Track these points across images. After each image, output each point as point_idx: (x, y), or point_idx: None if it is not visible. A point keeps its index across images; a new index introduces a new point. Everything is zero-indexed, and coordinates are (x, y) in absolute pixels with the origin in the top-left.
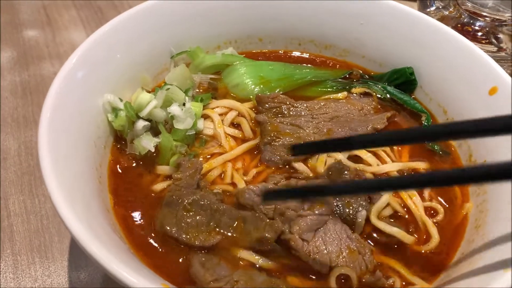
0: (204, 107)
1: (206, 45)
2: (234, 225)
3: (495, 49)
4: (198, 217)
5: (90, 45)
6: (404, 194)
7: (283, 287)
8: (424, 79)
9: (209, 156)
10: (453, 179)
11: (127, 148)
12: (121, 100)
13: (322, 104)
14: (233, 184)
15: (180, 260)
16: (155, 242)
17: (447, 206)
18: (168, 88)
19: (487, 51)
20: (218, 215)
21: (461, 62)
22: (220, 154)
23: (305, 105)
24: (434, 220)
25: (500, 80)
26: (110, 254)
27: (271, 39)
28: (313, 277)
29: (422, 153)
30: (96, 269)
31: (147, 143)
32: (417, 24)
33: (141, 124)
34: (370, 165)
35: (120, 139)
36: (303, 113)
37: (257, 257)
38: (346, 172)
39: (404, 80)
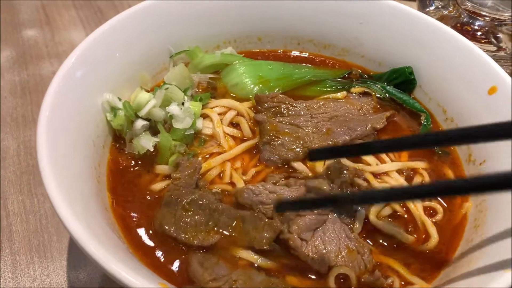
0: (203, 107)
1: (205, 45)
2: (233, 224)
3: (495, 48)
4: (196, 217)
5: (89, 45)
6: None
7: (282, 287)
8: (424, 78)
9: (208, 156)
10: (457, 190)
11: (126, 148)
12: (120, 99)
13: (321, 103)
14: (232, 183)
15: (179, 260)
16: (154, 242)
17: (446, 205)
18: (167, 88)
19: (486, 51)
20: (217, 215)
21: (460, 61)
22: (219, 153)
23: (304, 105)
24: (433, 220)
25: (499, 80)
26: (109, 253)
27: (270, 38)
28: (312, 277)
29: (421, 152)
30: (95, 269)
31: (146, 142)
32: (416, 23)
33: (140, 123)
34: (369, 164)
35: (119, 138)
36: (302, 112)
37: (256, 256)
38: (345, 171)
39: (404, 79)
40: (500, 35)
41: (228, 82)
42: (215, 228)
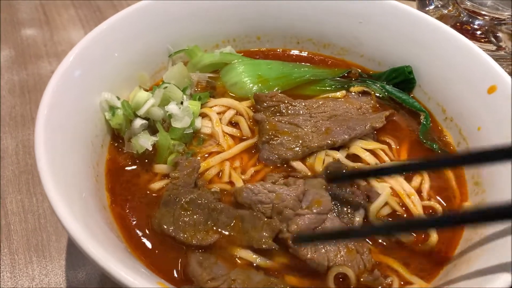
0: (202, 106)
1: (204, 44)
2: (232, 224)
3: (494, 48)
4: (195, 216)
5: (87, 44)
6: (402, 193)
7: (280, 287)
8: (423, 78)
9: (207, 155)
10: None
11: (125, 147)
12: (118, 98)
13: (320, 103)
14: (231, 183)
15: (178, 259)
16: (153, 241)
17: (446, 205)
18: (166, 87)
19: (486, 50)
20: (216, 214)
21: (460, 61)
22: (218, 152)
23: (303, 104)
24: None
25: (499, 79)
26: (107, 253)
27: (270, 37)
28: (311, 276)
29: (421, 152)
30: (94, 268)
31: (145, 141)
32: (416, 23)
33: (138, 122)
34: (368, 164)
35: (117, 137)
36: (301, 111)
37: (254, 256)
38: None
39: (403, 79)
40: (499, 34)
41: (227, 81)
42: (214, 228)
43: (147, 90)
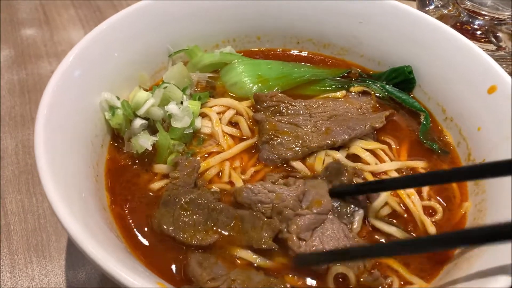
0: (202, 106)
1: (204, 44)
2: (232, 224)
3: (494, 48)
4: (195, 216)
5: (87, 43)
6: (402, 193)
7: (280, 287)
8: (423, 78)
9: (206, 155)
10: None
11: (125, 147)
12: (118, 98)
13: (320, 102)
14: (231, 183)
15: (178, 259)
16: (152, 241)
17: (446, 205)
18: (166, 87)
19: (486, 50)
20: (216, 214)
21: (460, 61)
22: (218, 152)
23: (303, 104)
24: (433, 219)
25: (499, 79)
26: (107, 253)
27: (270, 37)
28: (311, 277)
29: (421, 152)
30: (94, 268)
31: (145, 141)
32: (416, 22)
33: (138, 122)
34: (368, 163)
35: (117, 137)
36: (301, 111)
37: (254, 256)
38: (344, 172)
39: (403, 79)
40: (499, 34)
41: (227, 81)
42: (214, 228)
43: (147, 90)
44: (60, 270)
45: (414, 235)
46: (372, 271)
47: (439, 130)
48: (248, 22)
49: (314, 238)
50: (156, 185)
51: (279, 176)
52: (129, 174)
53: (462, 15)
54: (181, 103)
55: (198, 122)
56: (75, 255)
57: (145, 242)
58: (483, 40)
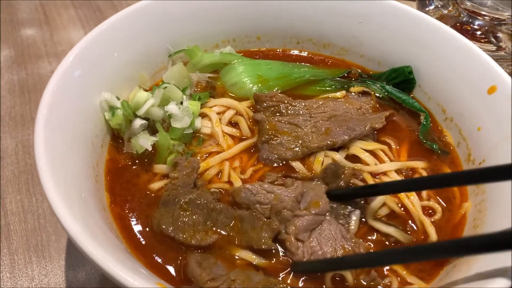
0: (202, 106)
1: (204, 44)
2: (231, 224)
3: (494, 48)
4: (194, 217)
5: (87, 43)
6: (401, 193)
7: (280, 287)
8: (423, 78)
9: (206, 155)
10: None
11: (124, 147)
12: (118, 98)
13: (320, 103)
14: (230, 182)
15: (177, 260)
16: (152, 241)
17: (446, 205)
18: (166, 87)
19: (486, 50)
20: (215, 214)
21: (460, 61)
22: (218, 152)
23: (303, 104)
24: (432, 220)
25: (499, 79)
26: (107, 253)
27: (270, 37)
28: (309, 277)
29: (420, 152)
30: (94, 269)
31: (144, 141)
32: (416, 23)
33: (138, 122)
34: (367, 164)
35: (117, 137)
36: (301, 112)
37: (254, 256)
38: (342, 175)
39: (403, 79)
40: (499, 34)
41: (227, 81)
42: (213, 228)
43: (146, 90)
44: (60, 270)
45: (413, 235)
46: (370, 271)
47: (439, 130)
48: (248, 22)
49: (312, 239)
50: (156, 185)
51: (278, 176)
52: (129, 174)
53: (462, 15)
54: (181, 103)
55: (198, 122)
56: (75, 255)
57: (145, 242)
58: (483, 41)
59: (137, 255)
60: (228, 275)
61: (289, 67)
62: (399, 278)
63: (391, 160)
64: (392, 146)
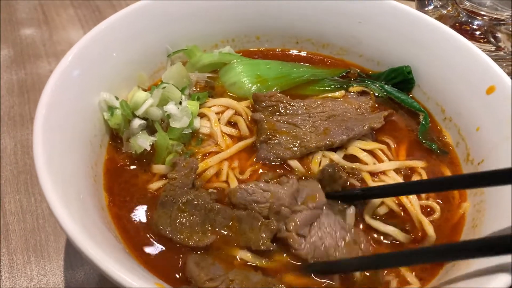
0: (201, 106)
1: (203, 44)
2: (229, 224)
3: (493, 48)
4: (192, 217)
5: (86, 43)
6: None
7: (278, 286)
8: (422, 78)
9: (206, 155)
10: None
11: (123, 147)
12: (117, 98)
13: (319, 102)
14: (228, 182)
15: (176, 260)
16: (150, 242)
17: (445, 205)
18: (165, 87)
19: (485, 50)
20: (213, 215)
21: (459, 61)
22: (217, 152)
23: (302, 104)
24: (431, 219)
25: (498, 79)
26: (105, 253)
27: (269, 37)
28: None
29: (419, 152)
30: (92, 268)
31: (143, 141)
32: (415, 23)
33: (137, 122)
34: (366, 163)
35: (116, 137)
36: (300, 111)
37: (252, 256)
38: (339, 180)
39: (402, 79)
40: (498, 34)
41: (226, 81)
42: (211, 229)
43: (145, 90)
44: (59, 270)
45: (411, 234)
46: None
47: (438, 130)
48: (247, 22)
49: (312, 233)
50: (155, 185)
51: (274, 175)
52: (128, 174)
53: (461, 15)
54: (180, 103)
55: (197, 122)
56: (73, 255)
57: (143, 242)
58: (482, 41)
59: (136, 255)
60: (227, 275)
61: (288, 67)
62: (399, 277)
63: (389, 160)
64: (391, 146)
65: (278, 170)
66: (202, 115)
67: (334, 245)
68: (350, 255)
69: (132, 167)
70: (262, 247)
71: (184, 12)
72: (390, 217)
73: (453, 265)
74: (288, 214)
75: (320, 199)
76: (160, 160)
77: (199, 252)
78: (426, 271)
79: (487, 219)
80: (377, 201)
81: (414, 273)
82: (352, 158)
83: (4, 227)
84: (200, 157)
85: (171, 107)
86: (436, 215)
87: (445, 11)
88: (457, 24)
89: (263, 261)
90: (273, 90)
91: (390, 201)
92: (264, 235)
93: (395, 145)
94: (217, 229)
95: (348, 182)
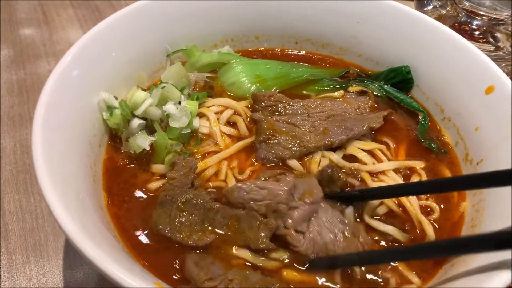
0: (200, 106)
1: (202, 44)
2: (228, 224)
3: (493, 48)
4: (191, 217)
5: (85, 43)
6: None
7: (277, 286)
8: (421, 78)
9: (205, 155)
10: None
11: (122, 147)
12: (116, 98)
13: (318, 102)
14: (226, 181)
15: (175, 259)
16: (149, 241)
17: (444, 205)
18: (164, 87)
19: (484, 50)
20: (212, 214)
21: (458, 61)
22: (216, 152)
23: (301, 104)
24: (430, 218)
25: (497, 79)
26: (104, 253)
27: (268, 37)
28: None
29: (419, 151)
30: (92, 268)
31: (142, 141)
32: (414, 23)
33: (136, 122)
34: (365, 163)
35: (115, 137)
36: (299, 111)
37: (251, 255)
38: (337, 181)
39: (401, 79)
40: (498, 34)
41: (225, 81)
42: (210, 228)
43: (145, 90)
44: (58, 270)
45: (411, 234)
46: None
47: (437, 130)
48: (246, 22)
49: (311, 228)
50: (154, 185)
51: (272, 173)
52: (127, 174)
53: (460, 15)
54: (179, 103)
55: (196, 122)
56: (73, 255)
57: (142, 242)
58: (481, 41)
59: (135, 255)
60: (226, 275)
61: (288, 67)
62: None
63: (389, 160)
64: (390, 146)
65: (280, 170)
66: (201, 115)
67: (333, 239)
68: (350, 248)
69: (131, 166)
70: (261, 246)
71: (183, 12)
72: (389, 217)
73: (452, 265)
74: (286, 210)
75: (317, 194)
76: (159, 159)
77: (198, 252)
78: (426, 271)
79: (486, 219)
80: (376, 201)
81: (414, 272)
82: (351, 158)
83: (4, 226)
84: (199, 157)
85: (170, 107)
86: (436, 215)
87: (444, 11)
88: (456, 24)
89: (262, 259)
90: (272, 90)
91: (390, 201)
92: (263, 234)
93: (394, 145)
94: (216, 229)
95: (347, 184)
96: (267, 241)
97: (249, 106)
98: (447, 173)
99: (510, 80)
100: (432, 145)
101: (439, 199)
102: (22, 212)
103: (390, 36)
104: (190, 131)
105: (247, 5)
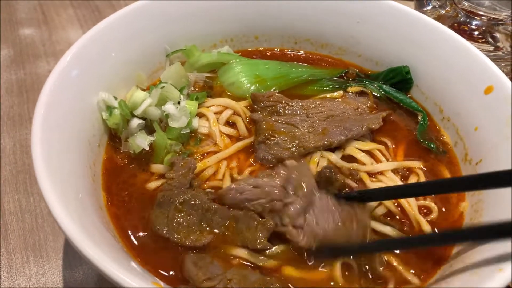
0: (199, 106)
1: (201, 44)
2: (226, 224)
3: (492, 48)
4: (189, 217)
5: (84, 43)
6: None
7: (276, 286)
8: (421, 78)
9: (204, 155)
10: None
11: (122, 147)
12: (115, 98)
13: (317, 103)
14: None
15: (174, 259)
16: (148, 241)
17: (443, 205)
18: (163, 87)
19: (483, 50)
20: (210, 215)
21: (457, 61)
22: (215, 152)
23: (300, 104)
24: (429, 219)
25: (496, 79)
26: (103, 253)
27: (267, 37)
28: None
29: (418, 151)
30: (91, 268)
31: (142, 141)
32: (413, 23)
33: (135, 122)
34: (364, 164)
35: (114, 137)
36: (298, 112)
37: (250, 255)
38: (335, 183)
39: (400, 79)
40: (497, 34)
41: (225, 81)
42: (208, 228)
43: (144, 90)
44: (58, 270)
45: (410, 234)
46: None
47: (436, 130)
48: (246, 22)
49: (309, 221)
50: (153, 185)
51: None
52: (126, 174)
53: (459, 15)
54: (179, 103)
55: (196, 122)
56: (72, 254)
57: (141, 242)
58: (480, 41)
59: (134, 254)
60: (225, 275)
61: (287, 67)
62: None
63: (387, 160)
64: (389, 146)
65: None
66: (200, 115)
67: (332, 227)
68: (348, 231)
69: (131, 166)
70: (259, 247)
71: (182, 12)
72: (388, 218)
73: (451, 266)
74: (281, 207)
75: (309, 185)
76: (158, 159)
77: (196, 251)
78: (425, 271)
79: (485, 219)
80: (375, 202)
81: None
82: (350, 159)
83: (3, 226)
84: (198, 157)
85: (169, 107)
86: (434, 215)
87: (443, 11)
88: (455, 24)
89: (261, 258)
90: (272, 90)
91: (388, 202)
92: (260, 234)
93: (393, 145)
94: (214, 229)
95: (345, 185)
96: (265, 241)
97: (248, 106)
98: (446, 173)
99: (509, 80)
100: (431, 145)
101: (437, 200)
102: (22, 212)
103: (389, 36)
104: (189, 131)
105: (247, 5)
